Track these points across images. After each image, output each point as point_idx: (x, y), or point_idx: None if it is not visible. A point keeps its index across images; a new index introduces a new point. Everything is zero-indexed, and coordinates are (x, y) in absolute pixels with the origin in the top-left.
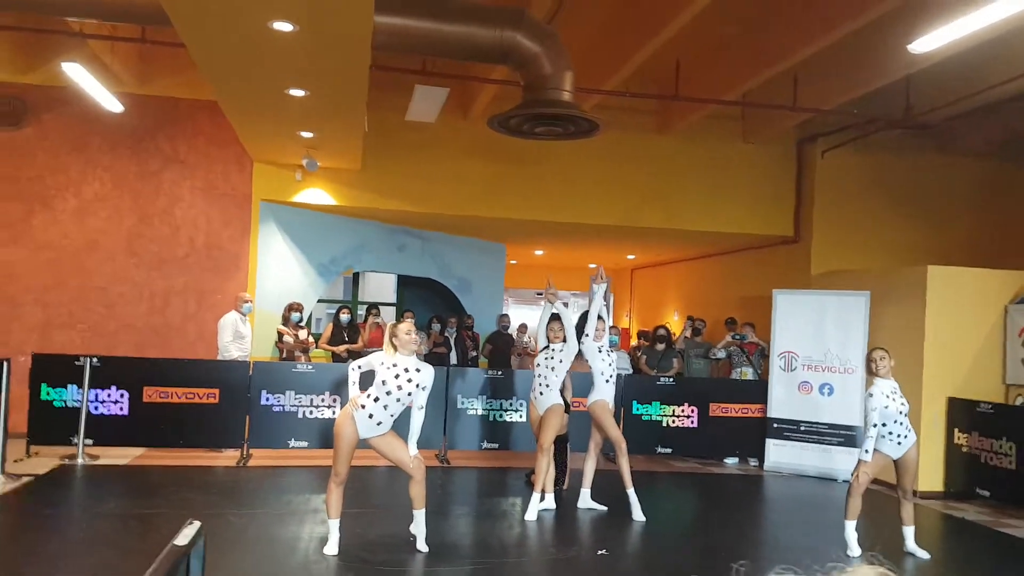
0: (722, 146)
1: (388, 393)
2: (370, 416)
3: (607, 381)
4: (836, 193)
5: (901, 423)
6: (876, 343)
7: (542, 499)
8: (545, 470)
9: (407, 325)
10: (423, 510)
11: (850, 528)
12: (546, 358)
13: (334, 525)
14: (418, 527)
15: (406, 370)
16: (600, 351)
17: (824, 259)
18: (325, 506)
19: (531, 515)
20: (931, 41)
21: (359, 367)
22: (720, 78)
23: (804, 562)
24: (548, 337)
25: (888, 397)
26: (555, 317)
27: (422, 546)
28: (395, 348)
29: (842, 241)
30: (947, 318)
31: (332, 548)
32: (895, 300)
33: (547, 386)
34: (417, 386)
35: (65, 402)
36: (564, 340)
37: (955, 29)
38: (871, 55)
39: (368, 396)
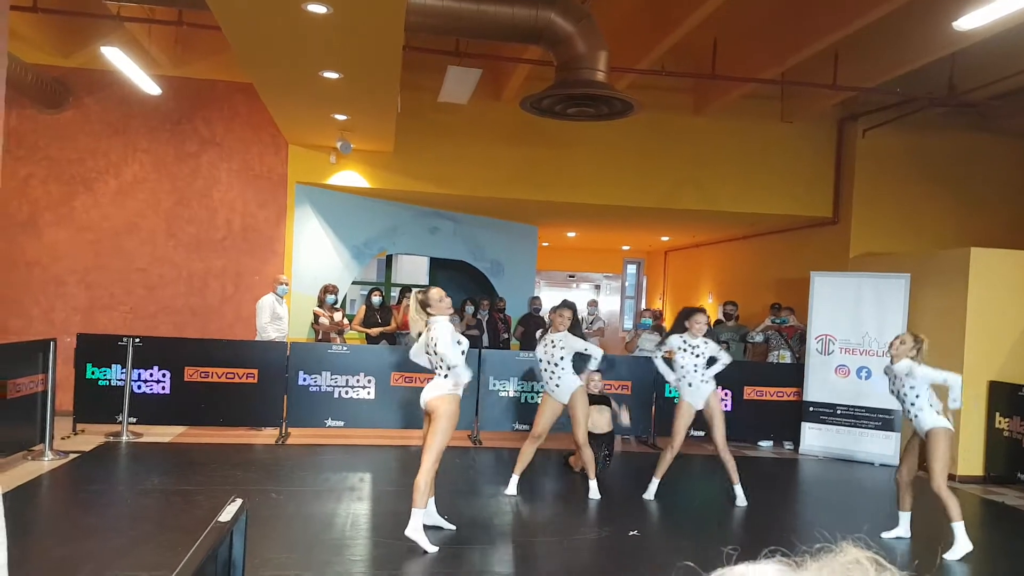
0: (760, 126)
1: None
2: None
3: (683, 380)
4: (877, 173)
5: (903, 401)
6: (916, 327)
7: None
8: (591, 459)
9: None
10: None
11: (903, 518)
12: (545, 349)
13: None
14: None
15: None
16: (683, 349)
17: (863, 241)
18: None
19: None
20: (977, 18)
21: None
22: (758, 56)
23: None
24: (553, 321)
25: (887, 373)
26: (568, 304)
27: (449, 525)
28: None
29: (882, 222)
30: (989, 301)
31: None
32: (936, 283)
33: (560, 377)
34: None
35: (109, 381)
36: (566, 330)
37: (1001, 6)
38: (915, 32)
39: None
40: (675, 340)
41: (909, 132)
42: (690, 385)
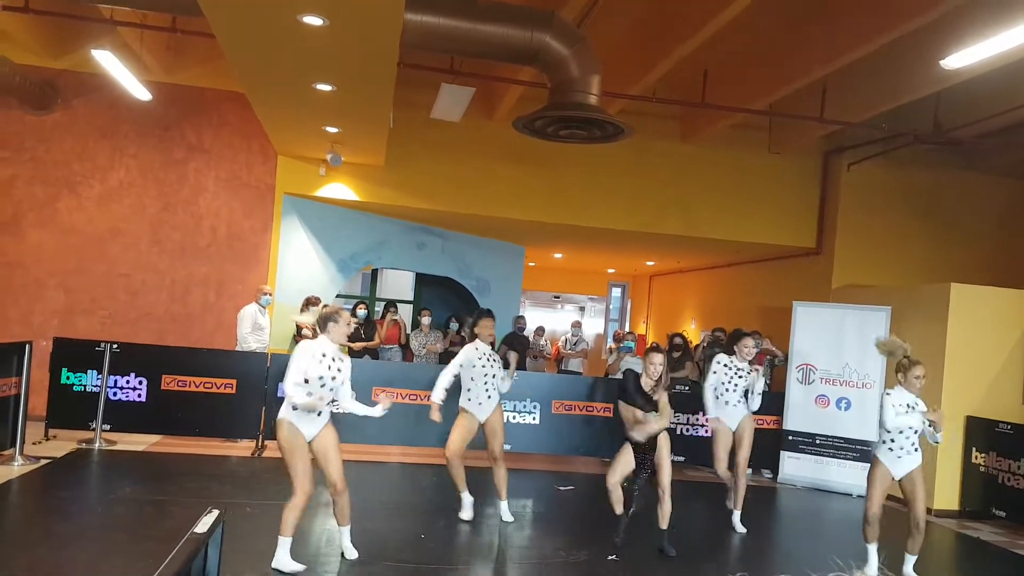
0: (747, 156)
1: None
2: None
3: (720, 398)
4: (861, 207)
5: (908, 437)
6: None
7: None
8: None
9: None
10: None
11: (872, 550)
12: (485, 362)
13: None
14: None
15: (334, 359)
16: (728, 367)
17: (846, 272)
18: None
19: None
20: (963, 58)
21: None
22: (748, 87)
23: (806, 571)
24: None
25: (901, 407)
26: (489, 313)
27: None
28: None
29: (865, 255)
30: (968, 336)
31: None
32: (916, 316)
33: (496, 390)
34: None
35: (84, 387)
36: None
37: (988, 47)
38: (902, 69)
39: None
40: (722, 359)
41: (893, 167)
42: (727, 404)
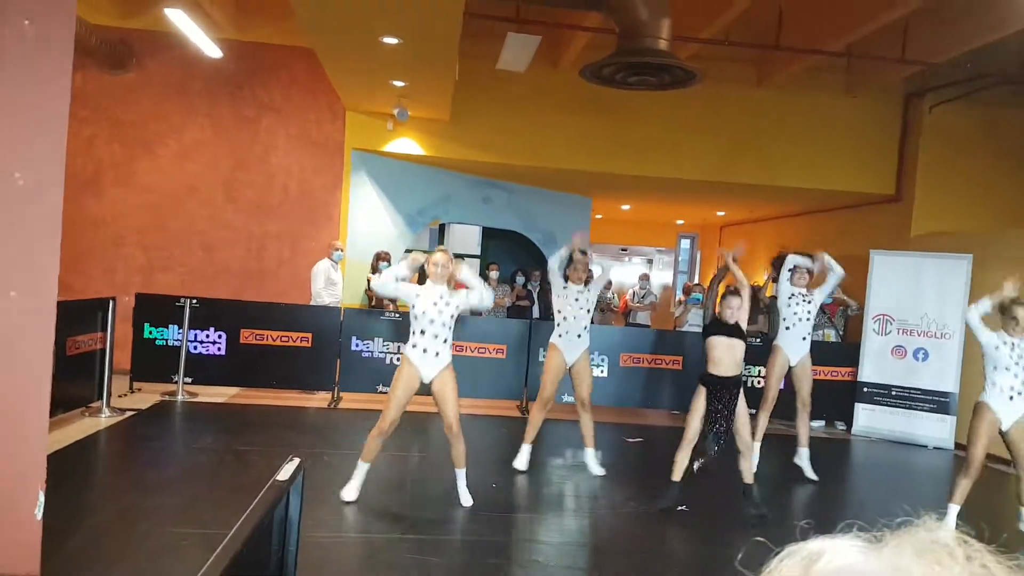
0: (823, 99)
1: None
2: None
3: (788, 329)
4: (942, 151)
5: (1018, 376)
6: None
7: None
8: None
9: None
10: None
11: (952, 513)
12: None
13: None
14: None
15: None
16: (792, 297)
17: (926, 220)
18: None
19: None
20: None
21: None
22: (825, 27)
23: (874, 519)
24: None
25: (1007, 345)
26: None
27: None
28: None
29: (946, 201)
30: None
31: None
32: (1000, 264)
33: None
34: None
35: (166, 341)
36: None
37: None
38: (989, 4)
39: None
40: (786, 287)
41: (978, 109)
42: (800, 337)
